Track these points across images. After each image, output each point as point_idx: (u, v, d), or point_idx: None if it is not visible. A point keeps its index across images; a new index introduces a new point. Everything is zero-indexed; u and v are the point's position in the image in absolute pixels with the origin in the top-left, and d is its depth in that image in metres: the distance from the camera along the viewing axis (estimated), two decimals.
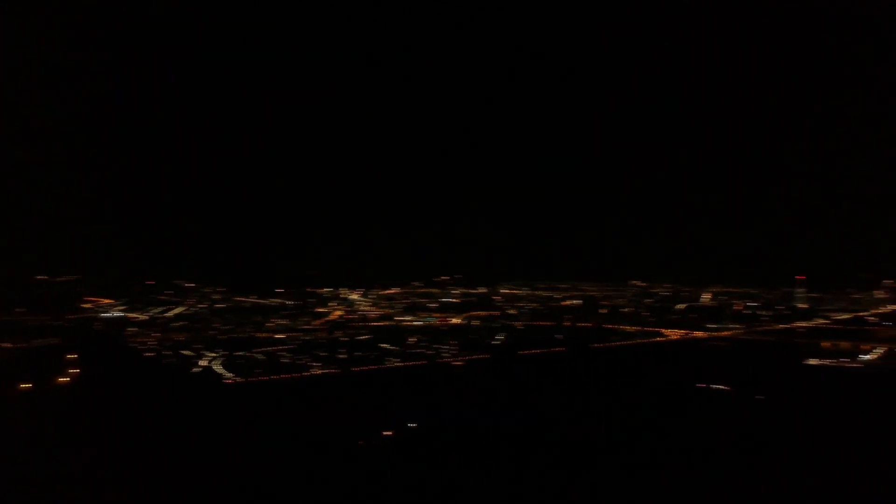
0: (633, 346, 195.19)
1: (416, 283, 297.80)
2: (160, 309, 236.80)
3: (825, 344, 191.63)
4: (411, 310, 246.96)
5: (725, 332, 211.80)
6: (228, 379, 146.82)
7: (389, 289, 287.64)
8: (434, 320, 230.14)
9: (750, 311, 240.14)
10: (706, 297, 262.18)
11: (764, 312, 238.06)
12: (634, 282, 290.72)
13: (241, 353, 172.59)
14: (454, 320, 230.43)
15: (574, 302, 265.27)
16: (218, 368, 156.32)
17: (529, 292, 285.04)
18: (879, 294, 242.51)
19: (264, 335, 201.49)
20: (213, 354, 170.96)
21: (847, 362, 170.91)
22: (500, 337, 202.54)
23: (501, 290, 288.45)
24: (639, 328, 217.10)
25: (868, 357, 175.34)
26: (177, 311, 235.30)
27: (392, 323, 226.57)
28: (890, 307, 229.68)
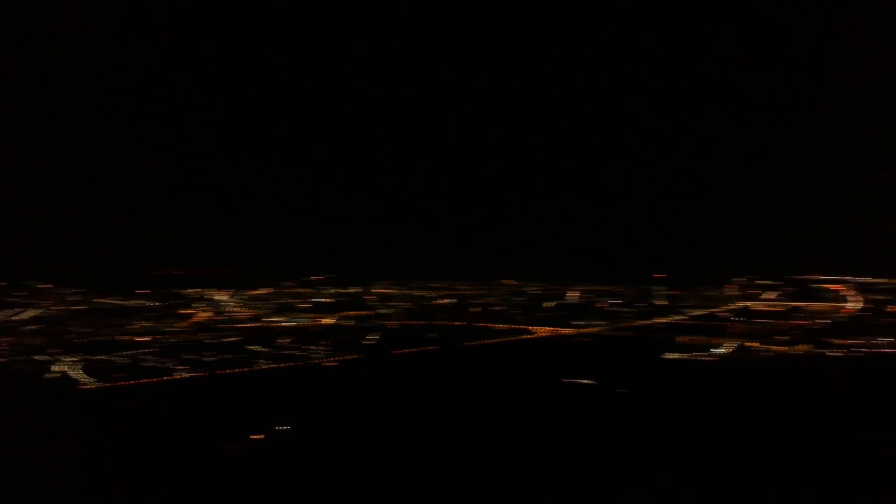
0: (503, 344, 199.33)
1: (287, 283, 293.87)
2: (11, 311, 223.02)
3: (682, 339, 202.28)
4: (282, 310, 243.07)
5: (590, 329, 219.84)
6: (86, 384, 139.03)
7: (259, 289, 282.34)
8: (305, 321, 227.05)
9: (613, 309, 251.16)
10: (573, 295, 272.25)
11: (626, 309, 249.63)
12: (505, 281, 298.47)
13: (100, 358, 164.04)
14: (326, 320, 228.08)
15: (447, 301, 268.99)
16: (75, 374, 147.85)
17: (402, 291, 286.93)
18: (731, 291, 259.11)
19: (126, 338, 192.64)
20: (71, 359, 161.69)
21: (701, 356, 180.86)
22: (373, 337, 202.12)
23: (374, 290, 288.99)
24: (509, 326, 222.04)
25: (720, 351, 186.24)
26: (30, 313, 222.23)
27: (261, 324, 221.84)
28: (740, 303, 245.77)
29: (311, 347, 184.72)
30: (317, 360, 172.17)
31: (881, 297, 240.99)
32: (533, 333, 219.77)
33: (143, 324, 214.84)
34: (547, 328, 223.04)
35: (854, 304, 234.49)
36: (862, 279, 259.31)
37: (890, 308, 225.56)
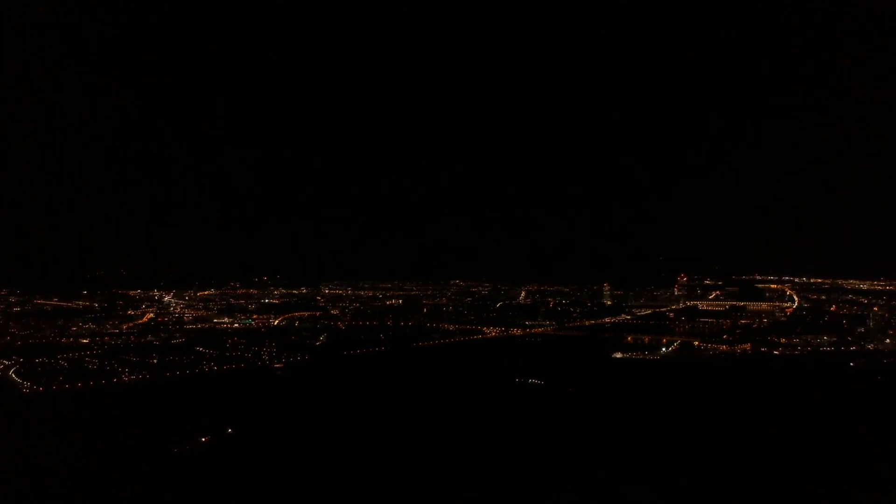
0: (453, 344, 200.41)
1: (234, 284, 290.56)
2: None
3: (629, 338, 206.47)
4: (228, 311, 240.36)
5: (540, 329, 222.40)
6: (26, 388, 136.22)
7: (205, 290, 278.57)
8: (252, 322, 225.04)
9: (562, 308, 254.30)
10: (522, 295, 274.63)
11: (574, 309, 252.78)
12: (455, 281, 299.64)
13: (41, 360, 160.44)
14: (274, 322, 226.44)
15: (396, 301, 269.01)
16: (14, 377, 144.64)
17: (352, 292, 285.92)
18: (677, 291, 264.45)
19: (68, 340, 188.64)
20: (8, 362, 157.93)
21: (647, 355, 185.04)
22: (322, 338, 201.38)
23: (324, 290, 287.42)
24: (459, 326, 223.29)
25: (665, 350, 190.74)
26: None
27: (208, 325, 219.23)
28: (685, 303, 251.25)
29: (259, 349, 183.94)
30: (264, 362, 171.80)
31: (821, 297, 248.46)
32: (483, 333, 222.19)
33: (86, 325, 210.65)
34: (497, 328, 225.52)
35: (794, 304, 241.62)
36: (802, 279, 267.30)
37: (831, 307, 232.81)
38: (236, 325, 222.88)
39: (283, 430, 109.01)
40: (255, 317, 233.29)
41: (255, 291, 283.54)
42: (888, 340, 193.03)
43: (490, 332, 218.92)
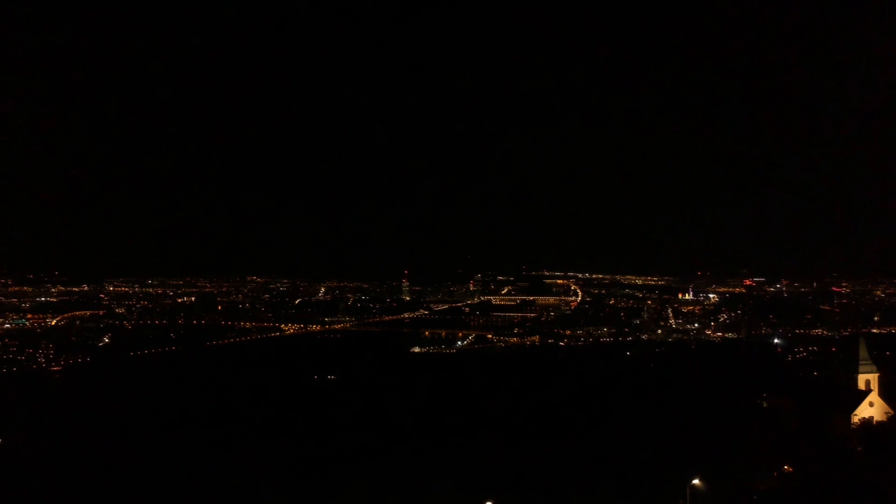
0: (249, 342, 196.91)
1: (5, 281, 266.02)
2: None
3: (427, 333, 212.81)
4: None
5: (339, 325, 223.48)
6: None
7: None
8: (27, 322, 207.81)
9: (361, 304, 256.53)
10: (321, 292, 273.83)
11: (374, 305, 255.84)
12: (252, 277, 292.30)
13: None
14: (52, 322, 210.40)
15: (189, 299, 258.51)
16: None
17: (140, 289, 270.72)
18: (472, 287, 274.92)
19: None
20: None
21: (444, 349, 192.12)
22: (107, 338, 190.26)
23: (108, 288, 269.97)
24: (256, 324, 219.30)
25: (461, 343, 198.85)
26: None
27: None
28: (480, 298, 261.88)
29: (33, 351, 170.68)
30: (40, 366, 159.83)
31: (602, 292, 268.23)
32: (282, 331, 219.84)
33: None
34: (296, 325, 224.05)
35: (578, 298, 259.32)
36: (584, 275, 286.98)
37: (611, 301, 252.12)
38: (7, 325, 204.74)
39: (57, 438, 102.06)
40: (29, 316, 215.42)
41: (30, 289, 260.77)
42: (659, 331, 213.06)
43: (289, 329, 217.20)
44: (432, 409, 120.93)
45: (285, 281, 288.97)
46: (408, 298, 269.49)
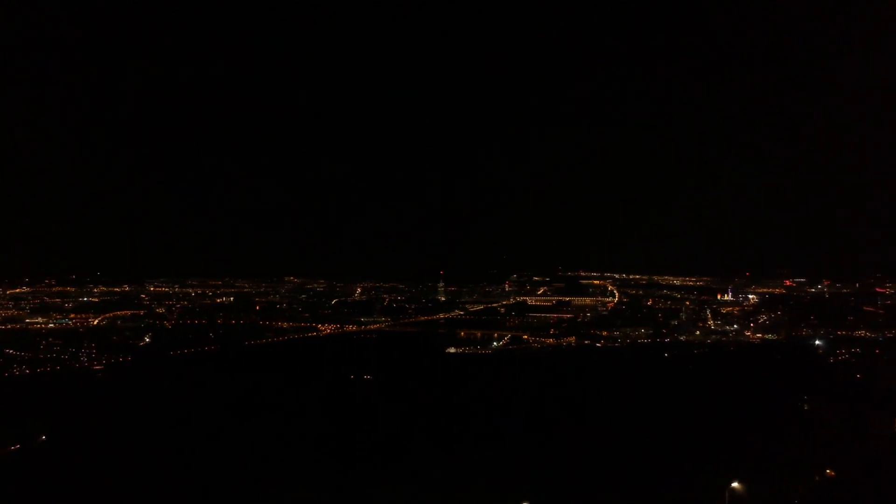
0: (287, 342, 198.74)
1: (49, 281, 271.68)
2: None
3: (462, 333, 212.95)
4: (43, 310, 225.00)
5: (375, 325, 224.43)
6: None
7: (16, 287, 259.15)
8: (69, 322, 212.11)
9: (397, 305, 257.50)
10: (358, 292, 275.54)
11: (409, 305, 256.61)
12: (289, 277, 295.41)
13: None
14: (94, 321, 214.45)
15: (227, 299, 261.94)
16: None
17: (179, 289, 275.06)
18: (508, 287, 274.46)
19: None
20: None
21: (480, 349, 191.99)
22: (147, 338, 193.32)
23: (149, 288, 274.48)
24: (293, 324, 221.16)
25: (497, 344, 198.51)
26: None
27: (20, 326, 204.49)
28: (515, 299, 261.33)
29: (76, 350, 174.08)
30: (83, 364, 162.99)
31: (639, 293, 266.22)
32: (318, 331, 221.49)
33: None
34: (332, 325, 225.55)
35: (615, 299, 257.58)
36: (622, 275, 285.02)
37: (648, 302, 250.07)
38: (51, 325, 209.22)
39: (101, 437, 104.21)
40: (72, 316, 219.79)
41: (73, 289, 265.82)
42: (697, 332, 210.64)
43: (325, 330, 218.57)
44: (467, 409, 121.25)
45: (322, 281, 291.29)
46: (443, 299, 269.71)
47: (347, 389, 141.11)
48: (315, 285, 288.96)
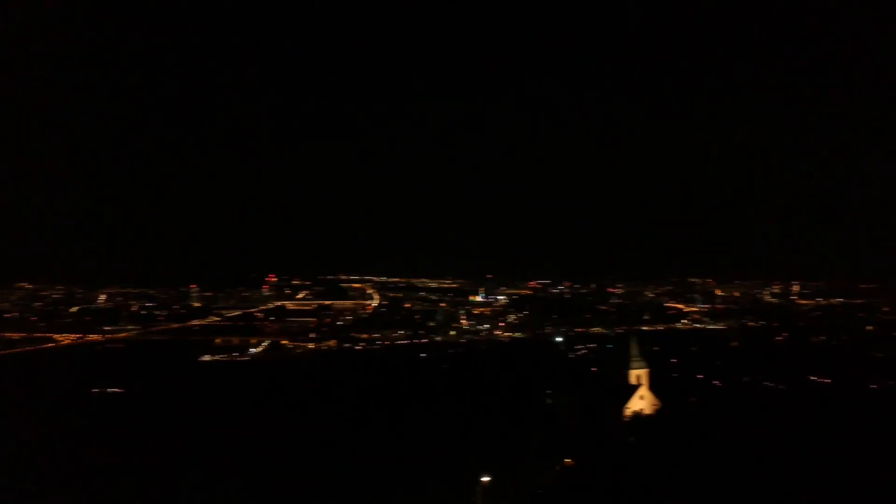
0: (14, 355, 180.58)
1: None
2: None
3: (218, 340, 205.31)
4: None
5: (123, 334, 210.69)
6: None
7: None
8: None
9: (146, 312, 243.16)
10: (102, 299, 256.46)
11: (160, 312, 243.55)
12: (21, 284, 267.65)
13: None
14: None
15: None
16: None
17: None
18: (267, 291, 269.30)
19: None
20: None
21: (237, 356, 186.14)
22: None
23: None
24: (26, 335, 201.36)
25: (255, 350, 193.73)
26: None
27: None
28: (274, 303, 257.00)
29: None
30: None
31: (398, 295, 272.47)
32: (56, 342, 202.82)
33: None
34: (72, 335, 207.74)
35: (375, 302, 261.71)
36: (381, 278, 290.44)
37: (406, 304, 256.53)
38: None
39: None
40: None
41: None
42: (453, 332, 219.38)
43: (64, 340, 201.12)
44: (220, 419, 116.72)
45: (59, 287, 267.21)
46: (197, 305, 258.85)
47: (91, 403, 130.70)
48: (51, 292, 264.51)
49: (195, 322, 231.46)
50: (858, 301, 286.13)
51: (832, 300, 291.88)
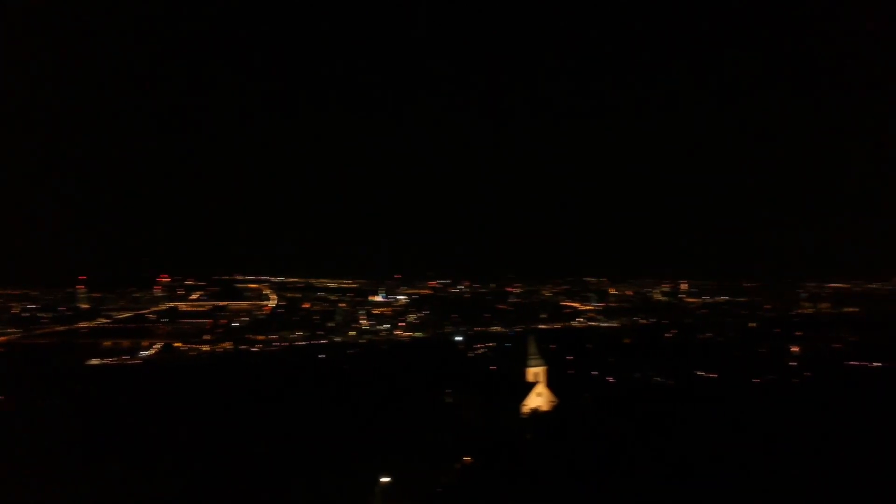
0: None
1: None
2: None
3: (107, 343, 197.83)
4: None
5: (2, 338, 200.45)
6: None
7: None
8: None
9: (29, 314, 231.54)
10: None
11: (44, 314, 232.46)
12: None
13: None
14: None
15: None
16: None
17: None
18: (159, 292, 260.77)
19: None
20: None
21: (128, 359, 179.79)
22: None
23: None
24: None
25: (147, 353, 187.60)
26: None
27: None
28: (167, 304, 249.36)
29: None
30: None
31: (297, 295, 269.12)
32: None
33: None
34: None
35: (272, 302, 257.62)
36: (279, 279, 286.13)
37: (305, 305, 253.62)
38: None
39: None
40: None
41: None
42: (352, 333, 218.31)
43: None
44: (107, 425, 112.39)
45: None
46: (85, 306, 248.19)
47: None
48: None
49: (82, 324, 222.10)
50: (742, 299, 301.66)
51: (718, 298, 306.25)
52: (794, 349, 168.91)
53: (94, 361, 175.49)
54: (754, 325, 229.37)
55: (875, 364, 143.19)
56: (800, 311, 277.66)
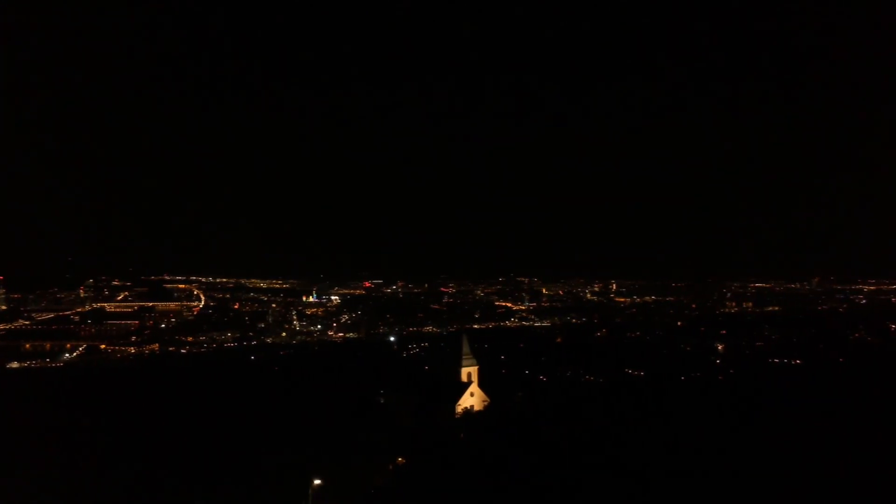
0: None
1: None
2: None
3: (27, 345, 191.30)
4: None
5: None
6: None
7: None
8: None
9: None
10: None
11: None
12: None
13: None
14: None
15: None
16: None
17: None
18: (84, 293, 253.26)
19: None
20: None
21: (49, 363, 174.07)
22: None
23: None
24: None
25: (70, 356, 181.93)
26: None
27: None
28: (92, 305, 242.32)
29: None
30: None
31: (227, 296, 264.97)
32: None
33: None
34: None
35: (201, 303, 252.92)
36: (209, 279, 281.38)
37: (235, 305, 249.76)
38: None
39: None
40: None
41: None
42: (284, 334, 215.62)
43: None
44: (27, 431, 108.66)
45: None
46: (3, 308, 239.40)
47: None
48: None
49: (1, 326, 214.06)
50: (670, 298, 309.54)
51: (646, 298, 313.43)
52: (720, 347, 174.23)
53: (14, 365, 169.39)
54: (681, 323, 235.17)
55: (795, 361, 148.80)
56: (724, 310, 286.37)
